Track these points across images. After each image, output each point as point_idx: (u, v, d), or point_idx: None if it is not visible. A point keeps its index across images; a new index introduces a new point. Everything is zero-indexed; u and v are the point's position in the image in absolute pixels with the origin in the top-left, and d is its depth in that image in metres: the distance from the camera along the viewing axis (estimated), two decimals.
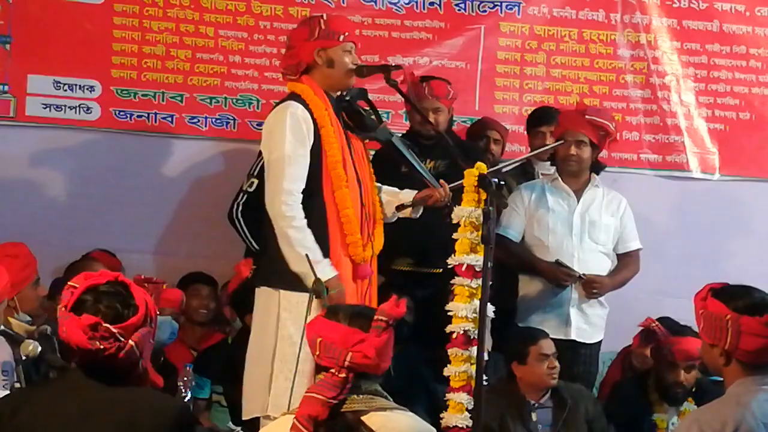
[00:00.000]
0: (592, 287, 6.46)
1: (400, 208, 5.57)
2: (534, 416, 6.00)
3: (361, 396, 3.54)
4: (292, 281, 5.18)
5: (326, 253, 5.20)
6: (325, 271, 5.11)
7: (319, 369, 3.60)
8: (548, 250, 6.48)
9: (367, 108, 5.52)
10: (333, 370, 3.52)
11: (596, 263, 6.53)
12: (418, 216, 5.64)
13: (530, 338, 6.08)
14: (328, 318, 3.64)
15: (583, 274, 6.42)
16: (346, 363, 3.51)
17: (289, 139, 5.22)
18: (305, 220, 5.19)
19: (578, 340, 6.49)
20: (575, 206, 6.55)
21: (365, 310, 3.67)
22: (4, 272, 4.62)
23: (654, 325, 6.29)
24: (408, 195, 5.59)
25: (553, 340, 6.18)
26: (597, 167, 6.63)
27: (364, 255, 5.34)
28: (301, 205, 5.19)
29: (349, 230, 5.30)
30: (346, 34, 5.40)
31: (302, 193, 5.23)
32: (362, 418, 3.51)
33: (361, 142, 5.51)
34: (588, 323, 6.51)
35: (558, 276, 6.42)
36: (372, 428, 3.49)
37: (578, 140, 6.48)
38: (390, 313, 3.55)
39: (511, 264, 6.46)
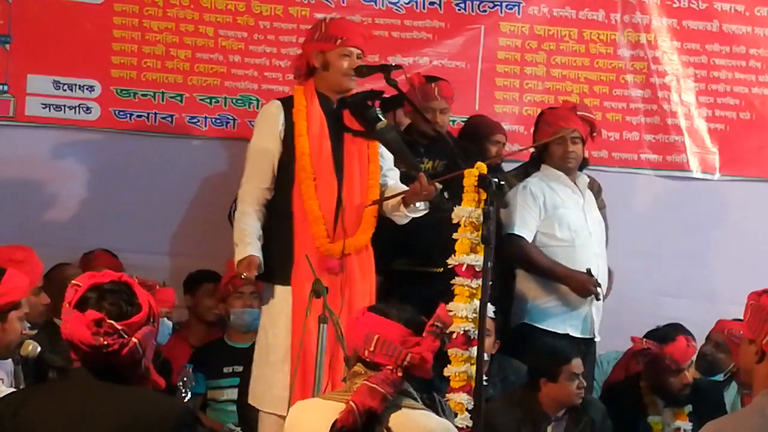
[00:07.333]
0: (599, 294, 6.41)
1: (378, 203, 5.54)
2: (549, 429, 5.96)
3: None
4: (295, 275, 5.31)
5: (290, 244, 5.36)
6: (238, 251, 5.36)
7: (366, 364, 3.62)
8: (575, 251, 6.38)
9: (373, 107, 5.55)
10: (390, 368, 3.54)
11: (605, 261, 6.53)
12: (415, 214, 5.61)
13: (563, 358, 5.97)
14: (379, 314, 3.68)
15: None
16: (405, 363, 3.53)
17: (256, 133, 5.60)
18: (252, 207, 5.44)
19: (596, 338, 6.49)
20: (581, 203, 6.52)
21: (412, 314, 3.73)
22: (22, 274, 4.58)
23: (644, 343, 6.27)
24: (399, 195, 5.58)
25: (576, 338, 6.22)
26: (584, 163, 6.63)
27: (331, 248, 5.38)
28: (253, 196, 5.47)
29: (311, 221, 5.37)
30: (344, 38, 5.47)
31: (274, 184, 5.48)
32: None
33: (366, 143, 5.53)
34: (598, 321, 6.48)
35: (589, 288, 6.31)
36: (391, 426, 3.51)
37: (573, 136, 6.45)
38: (445, 321, 3.60)
39: (528, 267, 6.41)
